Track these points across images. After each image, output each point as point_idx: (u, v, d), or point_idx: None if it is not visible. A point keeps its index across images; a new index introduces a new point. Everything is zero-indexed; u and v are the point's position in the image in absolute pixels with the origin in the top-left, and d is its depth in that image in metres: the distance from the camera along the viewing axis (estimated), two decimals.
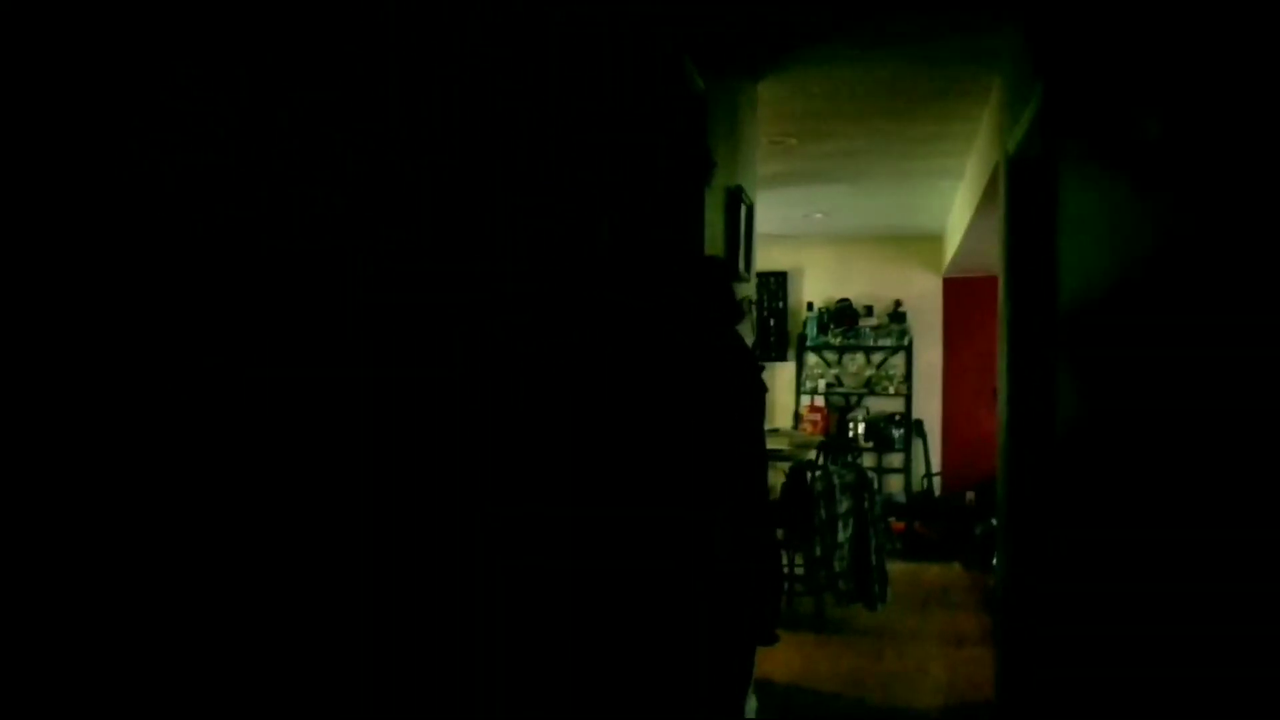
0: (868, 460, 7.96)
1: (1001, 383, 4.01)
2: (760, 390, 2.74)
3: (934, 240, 8.35)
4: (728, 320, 2.66)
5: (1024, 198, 3.63)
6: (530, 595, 1.78)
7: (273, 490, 1.23)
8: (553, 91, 2.04)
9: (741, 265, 3.75)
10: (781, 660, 4.78)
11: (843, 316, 8.43)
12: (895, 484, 8.30)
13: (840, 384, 8.51)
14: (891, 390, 8.46)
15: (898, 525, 7.63)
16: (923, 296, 8.50)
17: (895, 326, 8.44)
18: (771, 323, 8.52)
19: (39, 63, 0.94)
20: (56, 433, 0.98)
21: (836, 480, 5.74)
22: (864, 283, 8.55)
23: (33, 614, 0.96)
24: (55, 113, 0.96)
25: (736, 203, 3.65)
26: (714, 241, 3.36)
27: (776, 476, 5.32)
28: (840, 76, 4.12)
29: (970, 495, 7.77)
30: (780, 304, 8.56)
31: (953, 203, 6.87)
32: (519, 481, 1.72)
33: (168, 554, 1.09)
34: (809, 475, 5.64)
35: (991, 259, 6.63)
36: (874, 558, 5.82)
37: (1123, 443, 2.09)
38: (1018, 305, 3.73)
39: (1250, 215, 1.35)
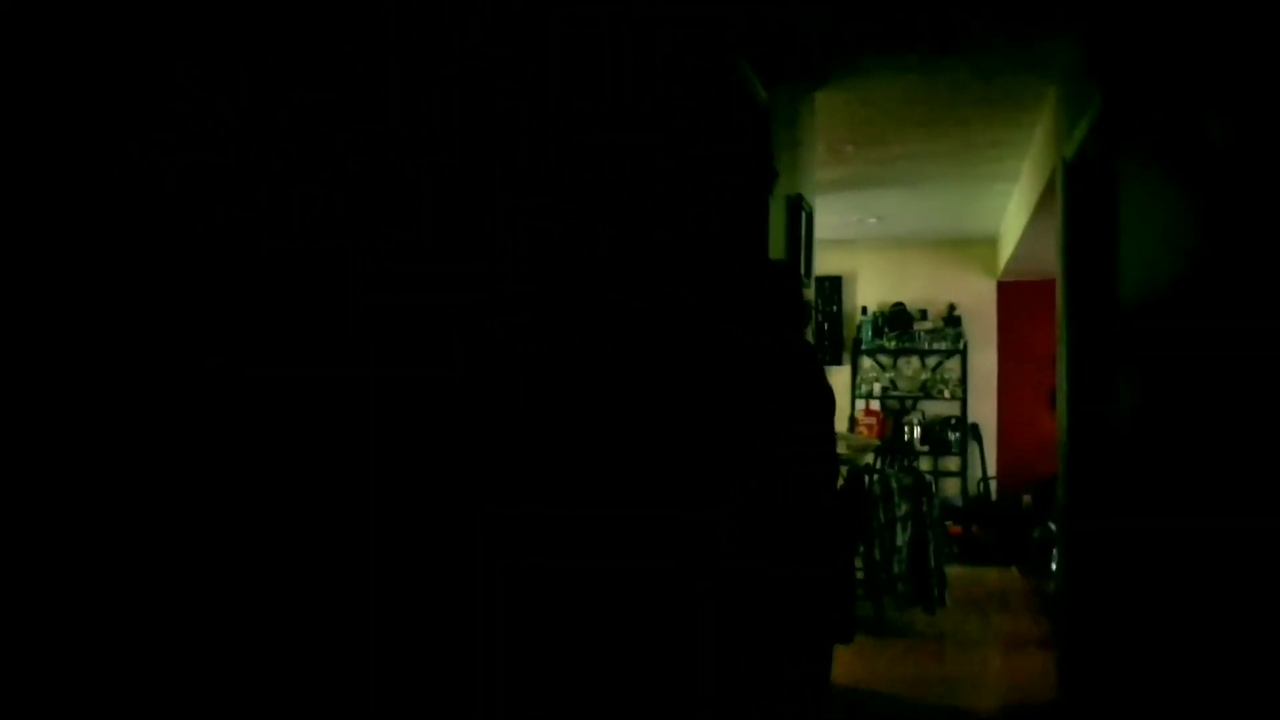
0: (924, 464, 7.96)
1: (1061, 385, 4.03)
2: (823, 392, 2.80)
3: (988, 244, 8.33)
4: (793, 324, 2.73)
5: (1082, 202, 3.66)
6: (531, 595, 1.79)
7: (273, 490, 1.24)
8: (619, 102, 2.11)
9: (801, 270, 3.83)
10: (842, 663, 4.82)
11: (897, 320, 8.44)
12: (951, 487, 8.29)
13: (895, 387, 8.51)
14: (947, 394, 8.44)
15: (954, 529, 7.63)
16: (977, 300, 8.48)
17: (950, 330, 8.43)
18: (826, 327, 8.55)
19: (39, 62, 0.95)
20: (57, 433, 0.98)
21: (894, 484, 5.78)
22: (918, 286, 8.55)
23: (32, 614, 0.96)
24: (55, 113, 0.97)
25: (797, 210, 3.73)
26: (776, 248, 3.45)
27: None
28: (898, 85, 4.18)
29: (1027, 499, 7.73)
30: (835, 308, 8.59)
31: (1007, 206, 6.87)
32: (519, 481, 1.73)
33: (168, 554, 1.10)
34: (867, 479, 5.69)
35: (1046, 262, 6.63)
36: (932, 561, 5.84)
37: (1187, 444, 2.13)
38: (1077, 307, 3.76)
39: None
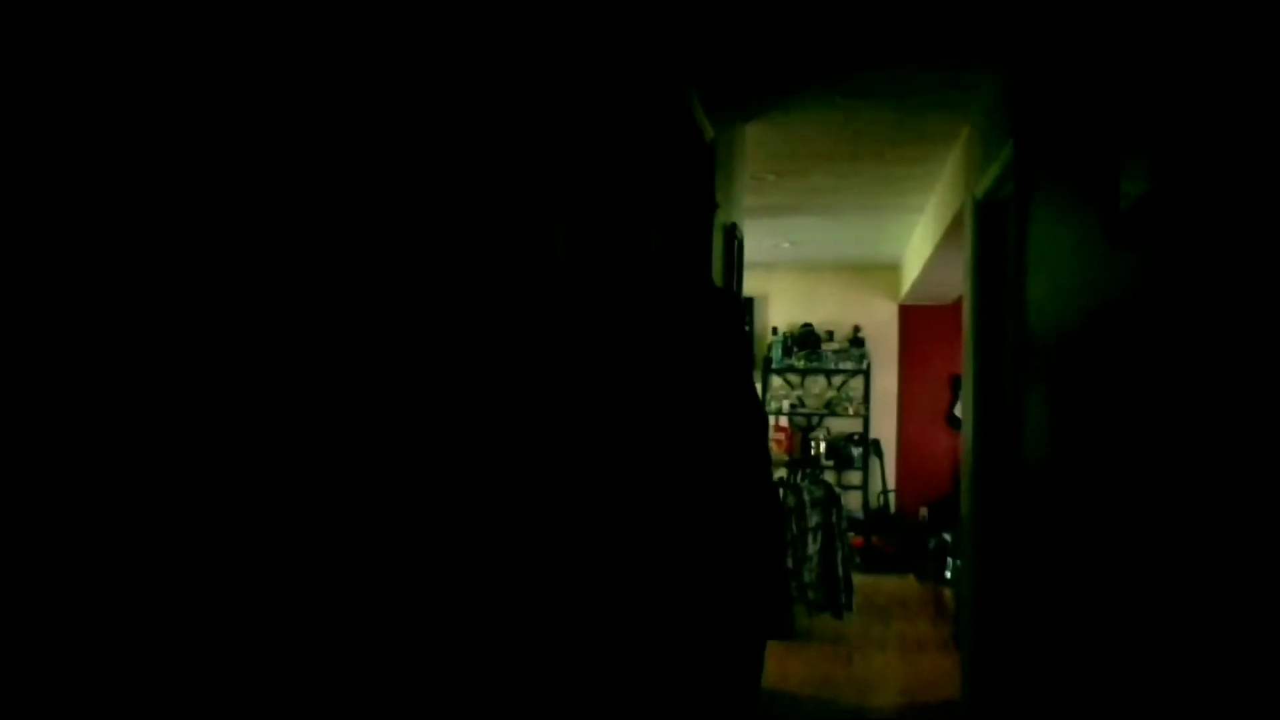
0: (828, 478, 8.32)
1: (966, 406, 4.35)
2: (762, 414, 3.01)
3: (892, 269, 8.77)
4: (740, 350, 2.94)
5: (992, 238, 4.00)
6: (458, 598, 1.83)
7: (275, 494, 1.25)
8: (584, 136, 2.28)
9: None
10: None
11: (806, 341, 8.81)
12: (854, 501, 8.67)
13: (803, 405, 8.87)
14: (851, 411, 8.84)
15: (856, 540, 7.99)
16: (881, 323, 8.93)
17: (855, 351, 8.84)
18: None
19: (38, 61, 0.96)
20: (59, 435, 0.99)
21: (806, 496, 6.08)
22: (826, 309, 8.95)
23: (32, 615, 0.96)
24: (55, 112, 0.97)
25: (732, 239, 3.97)
26: (715, 275, 3.67)
27: None
28: (822, 120, 4.47)
29: (923, 511, 8.16)
30: (748, 328, 8.91)
31: (911, 235, 7.27)
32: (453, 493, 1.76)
33: (170, 556, 1.11)
34: (780, 492, 5.97)
35: (947, 288, 7.06)
36: (840, 569, 6.16)
37: (1087, 464, 2.40)
38: (984, 335, 4.08)
39: (1218, 267, 1.67)
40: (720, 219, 3.80)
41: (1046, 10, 2.91)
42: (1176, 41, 1.81)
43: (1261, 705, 1.40)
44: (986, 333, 4.05)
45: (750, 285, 8.77)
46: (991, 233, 3.99)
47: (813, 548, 6.03)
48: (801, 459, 7.95)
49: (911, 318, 8.85)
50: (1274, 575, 1.37)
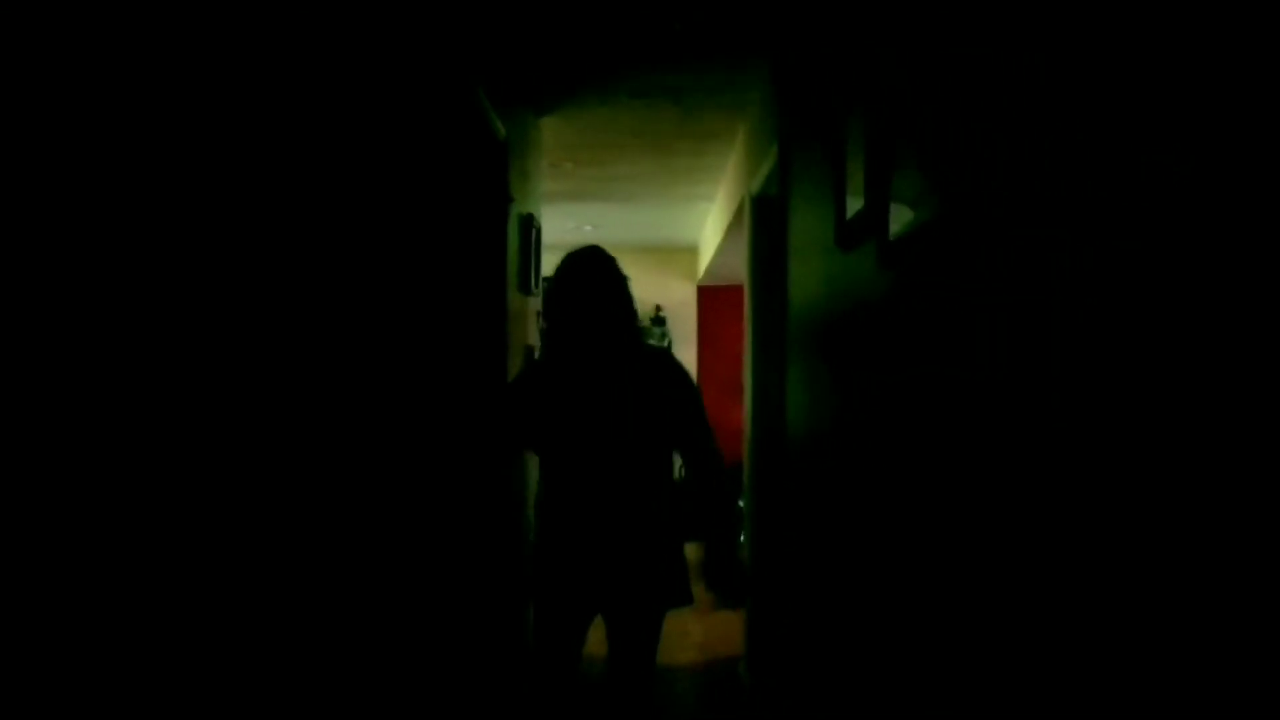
0: None
1: (747, 383, 4.72)
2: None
3: (690, 252, 9.19)
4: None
5: (764, 229, 4.37)
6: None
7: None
8: (377, 138, 2.41)
9: (532, 282, 4.27)
10: None
11: None
12: None
13: None
14: None
15: None
16: (680, 302, 9.35)
17: (656, 329, 9.23)
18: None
19: (38, 61, 0.96)
20: (59, 435, 1.00)
21: None
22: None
23: (32, 615, 0.97)
24: (54, 112, 0.98)
25: (529, 228, 4.17)
26: (512, 262, 3.87)
27: None
28: (612, 116, 4.73)
29: None
30: None
31: (706, 221, 7.68)
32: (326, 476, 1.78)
33: (160, 555, 1.13)
34: None
35: (738, 271, 7.51)
36: None
37: (836, 432, 2.75)
38: (760, 318, 4.46)
39: (920, 276, 2.01)
40: (517, 209, 3.99)
41: (801, 32, 3.25)
42: (887, 70, 2.14)
43: (969, 652, 1.75)
44: (763, 316, 4.43)
45: (553, 266, 8.99)
46: (766, 226, 4.36)
47: None
48: None
49: (708, 298, 9.31)
50: (968, 530, 1.72)
